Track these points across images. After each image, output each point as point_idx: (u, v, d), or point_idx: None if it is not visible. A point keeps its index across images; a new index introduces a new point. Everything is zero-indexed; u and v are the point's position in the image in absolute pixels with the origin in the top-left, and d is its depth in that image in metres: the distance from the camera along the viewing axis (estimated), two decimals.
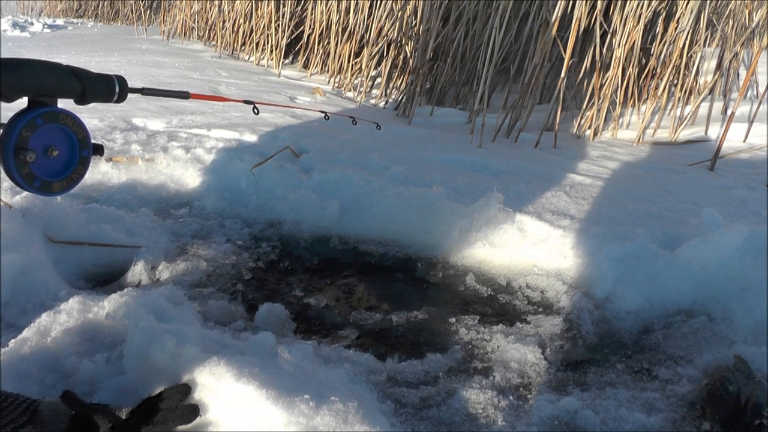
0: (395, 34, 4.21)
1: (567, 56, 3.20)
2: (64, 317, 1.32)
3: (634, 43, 3.39)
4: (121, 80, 0.88)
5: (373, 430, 1.02)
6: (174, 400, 1.02)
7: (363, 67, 4.41)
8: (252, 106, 1.28)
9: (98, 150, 0.88)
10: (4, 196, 1.76)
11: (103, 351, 1.25)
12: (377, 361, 1.40)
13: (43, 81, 0.79)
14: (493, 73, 3.52)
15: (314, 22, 4.86)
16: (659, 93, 3.60)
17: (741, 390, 1.29)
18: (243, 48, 5.69)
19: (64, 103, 0.83)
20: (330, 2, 4.65)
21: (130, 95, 0.91)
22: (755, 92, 3.77)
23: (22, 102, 0.80)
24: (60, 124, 0.81)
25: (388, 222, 2.08)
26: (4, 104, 0.78)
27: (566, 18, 3.40)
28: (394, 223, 2.07)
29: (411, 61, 4.01)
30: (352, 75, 4.54)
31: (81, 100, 0.85)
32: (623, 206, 2.23)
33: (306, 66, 5.16)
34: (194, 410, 1.02)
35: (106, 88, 0.87)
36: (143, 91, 0.95)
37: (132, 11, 9.37)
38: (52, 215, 1.71)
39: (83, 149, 0.84)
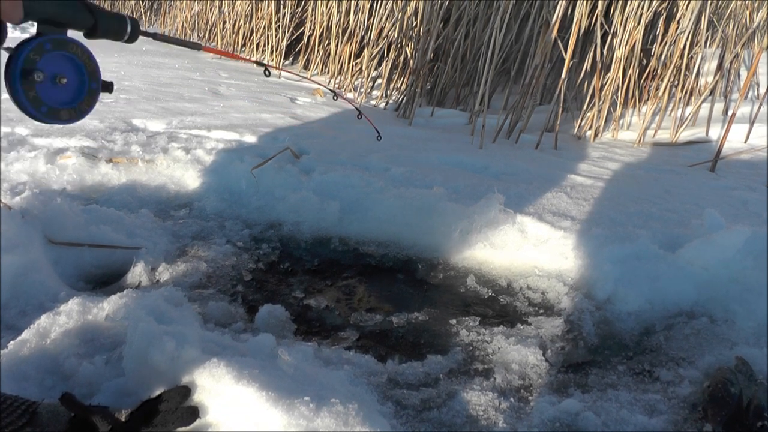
0: (396, 35, 4.21)
1: (567, 57, 3.20)
2: (64, 319, 1.32)
3: (634, 43, 3.39)
4: (134, 21, 0.87)
5: (373, 431, 1.02)
6: (174, 402, 1.02)
7: (363, 68, 4.41)
8: (264, 68, 1.26)
9: (108, 87, 0.86)
10: (3, 197, 1.75)
11: (102, 353, 1.25)
12: (378, 362, 1.40)
13: (54, 7, 0.77)
14: (494, 74, 3.52)
15: (314, 23, 4.86)
16: (660, 94, 3.59)
17: (743, 392, 1.28)
18: (243, 49, 5.69)
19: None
20: (330, 3, 4.65)
21: (140, 44, 0.89)
22: (756, 93, 3.76)
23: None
24: (69, 53, 0.79)
25: (388, 223, 2.08)
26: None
27: (567, 19, 3.40)
28: (395, 225, 2.07)
29: (411, 62, 4.01)
30: (352, 76, 4.53)
31: (91, 34, 0.84)
32: (624, 207, 2.22)
33: (306, 67, 5.16)
34: (194, 412, 1.01)
35: (118, 26, 0.85)
36: (155, 36, 0.95)
37: (132, 12, 9.38)
38: (52, 216, 1.71)
39: (92, 81, 0.82)
